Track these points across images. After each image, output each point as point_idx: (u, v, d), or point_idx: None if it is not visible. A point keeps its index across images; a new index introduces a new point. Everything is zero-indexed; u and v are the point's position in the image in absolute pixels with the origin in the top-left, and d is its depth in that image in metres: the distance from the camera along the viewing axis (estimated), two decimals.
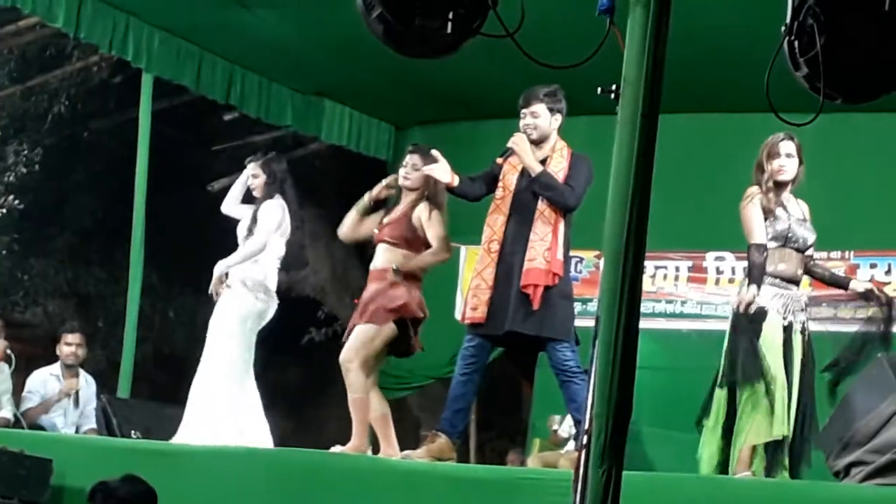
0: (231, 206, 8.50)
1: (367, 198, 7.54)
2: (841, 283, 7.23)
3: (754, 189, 6.90)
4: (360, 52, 8.35)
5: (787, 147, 6.89)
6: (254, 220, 8.18)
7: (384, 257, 7.30)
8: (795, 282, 6.92)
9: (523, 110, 7.04)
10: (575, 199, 6.91)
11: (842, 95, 4.01)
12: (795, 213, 6.93)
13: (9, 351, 9.03)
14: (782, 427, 6.58)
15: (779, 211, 6.85)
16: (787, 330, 6.79)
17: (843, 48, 3.91)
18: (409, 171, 7.34)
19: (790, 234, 6.84)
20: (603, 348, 3.53)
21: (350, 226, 7.58)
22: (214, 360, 7.98)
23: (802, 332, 6.85)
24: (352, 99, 10.95)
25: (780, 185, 6.91)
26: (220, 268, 8.11)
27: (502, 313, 6.86)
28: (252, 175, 8.31)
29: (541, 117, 7.00)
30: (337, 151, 12.08)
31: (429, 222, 7.23)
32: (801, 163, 6.94)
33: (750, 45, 5.37)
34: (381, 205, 7.54)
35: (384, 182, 7.58)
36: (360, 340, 7.19)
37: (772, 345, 6.71)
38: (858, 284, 7.20)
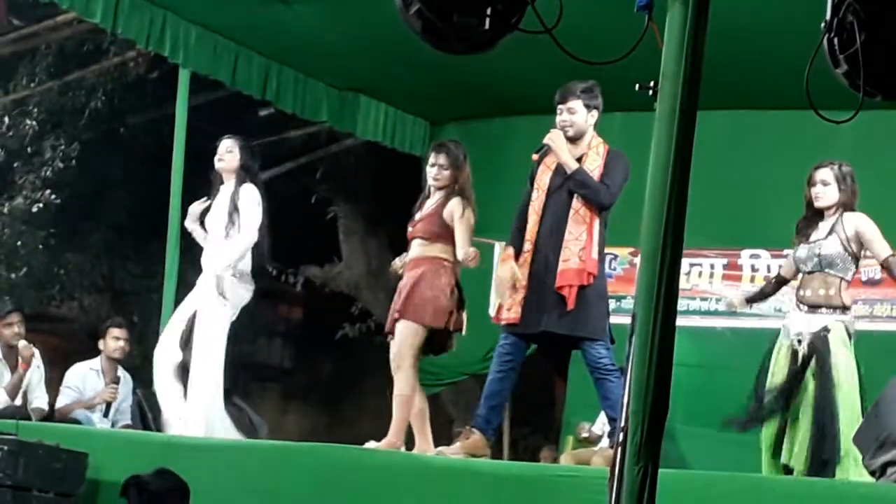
0: (195, 221, 8.26)
1: (397, 263, 7.56)
2: None
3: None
4: (396, 47, 8.36)
5: (822, 174, 7.05)
6: (234, 206, 8.05)
7: (419, 251, 7.32)
8: (811, 305, 7.00)
9: (560, 106, 7.01)
10: (610, 197, 6.89)
11: (881, 92, 3.99)
12: (817, 236, 7.02)
13: (34, 348, 9.04)
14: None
15: (800, 239, 7.06)
16: (792, 352, 6.90)
17: (882, 45, 3.89)
18: (438, 171, 7.35)
19: (802, 259, 7.01)
20: (639, 346, 3.52)
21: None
22: (214, 356, 7.96)
23: (811, 347, 6.91)
24: (387, 95, 10.95)
25: (817, 213, 7.03)
26: (223, 267, 7.99)
27: (537, 313, 6.86)
28: (227, 150, 8.13)
29: (577, 114, 6.98)
30: (372, 147, 12.09)
31: (460, 220, 7.23)
32: (842, 188, 7.02)
33: (790, 42, 5.35)
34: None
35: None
36: (404, 337, 7.20)
37: (776, 375, 6.85)
38: None
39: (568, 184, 6.90)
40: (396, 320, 7.23)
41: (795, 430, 6.84)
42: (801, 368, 6.89)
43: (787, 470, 6.85)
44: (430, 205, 7.39)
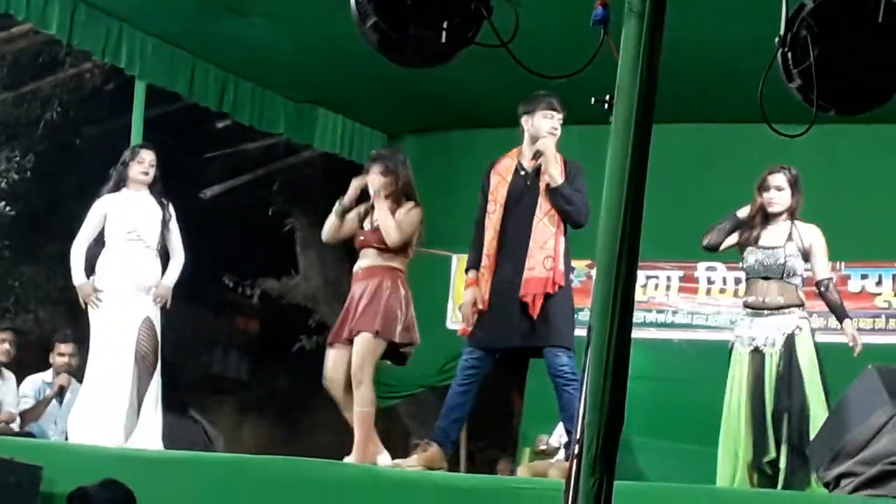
0: (83, 246, 8.11)
1: (345, 200, 7.57)
2: (838, 315, 7.29)
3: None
4: (354, 60, 8.35)
5: (777, 180, 7.11)
6: (165, 221, 8.07)
7: (374, 260, 7.32)
8: (768, 308, 7.05)
9: (552, 112, 6.96)
10: (588, 214, 6.88)
11: (835, 107, 4.02)
12: (767, 242, 7.08)
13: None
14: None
15: (748, 245, 7.14)
16: (757, 354, 6.94)
17: (836, 60, 3.92)
18: (376, 183, 7.38)
19: (755, 266, 6.98)
20: (595, 358, 3.52)
21: (332, 230, 7.60)
22: (156, 367, 7.96)
23: (784, 349, 6.96)
24: (345, 107, 10.94)
25: (769, 217, 7.10)
26: (170, 284, 8.05)
27: (502, 325, 6.85)
28: (152, 163, 8.09)
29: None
30: (329, 160, 12.08)
31: (406, 214, 7.31)
32: (794, 193, 7.11)
33: (744, 56, 5.38)
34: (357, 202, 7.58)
35: (354, 185, 7.60)
36: (366, 350, 7.20)
37: (735, 378, 6.90)
38: (850, 328, 7.26)
39: (552, 195, 6.88)
40: (355, 333, 7.21)
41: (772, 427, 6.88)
42: (783, 370, 6.95)
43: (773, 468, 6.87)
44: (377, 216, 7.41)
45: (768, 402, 6.92)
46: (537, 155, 6.99)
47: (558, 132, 6.99)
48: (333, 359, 7.34)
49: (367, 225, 7.47)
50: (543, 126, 6.96)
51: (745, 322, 7.17)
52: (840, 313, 7.29)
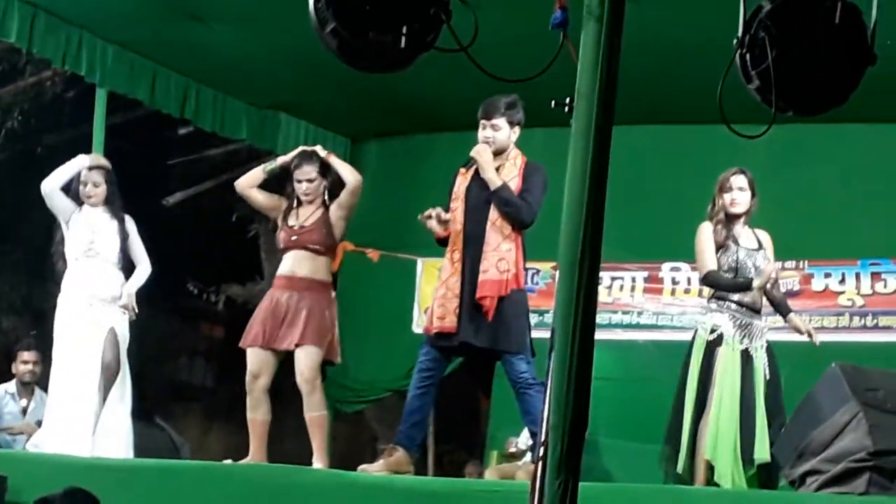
0: (55, 188, 8.14)
1: (278, 163, 7.66)
2: (782, 311, 7.32)
3: (706, 225, 7.08)
4: (316, 66, 8.36)
5: (739, 181, 7.14)
6: (125, 236, 8.11)
7: (309, 266, 7.34)
8: (755, 310, 7.07)
9: (483, 121, 7.03)
10: (531, 215, 6.91)
11: (793, 108, 4.04)
12: (748, 245, 7.11)
13: None
14: (713, 452, 6.84)
15: (729, 243, 7.01)
16: (746, 355, 6.95)
17: (794, 61, 3.94)
18: (307, 185, 7.47)
19: (739, 266, 7.01)
20: (558, 360, 3.53)
21: (250, 182, 7.68)
22: (127, 374, 7.95)
23: (767, 356, 7.00)
24: (307, 112, 10.92)
25: (731, 218, 7.12)
26: (133, 290, 8.07)
27: (459, 324, 6.87)
28: (96, 182, 8.11)
29: (501, 130, 7.00)
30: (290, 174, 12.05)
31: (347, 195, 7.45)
32: (753, 195, 7.15)
33: (703, 58, 5.40)
34: (284, 175, 7.62)
35: (295, 152, 7.67)
36: (315, 361, 7.30)
37: (725, 371, 6.89)
38: (798, 321, 7.28)
39: (491, 199, 6.92)
40: (298, 345, 7.27)
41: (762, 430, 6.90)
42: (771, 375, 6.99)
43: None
44: (309, 217, 7.47)
45: (758, 405, 6.93)
46: (471, 162, 7.02)
47: (492, 139, 6.99)
48: (262, 361, 7.41)
49: (293, 221, 7.48)
50: (479, 135, 7.01)
51: (726, 317, 7.11)
52: (785, 308, 7.34)
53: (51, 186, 8.09)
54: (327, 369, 7.53)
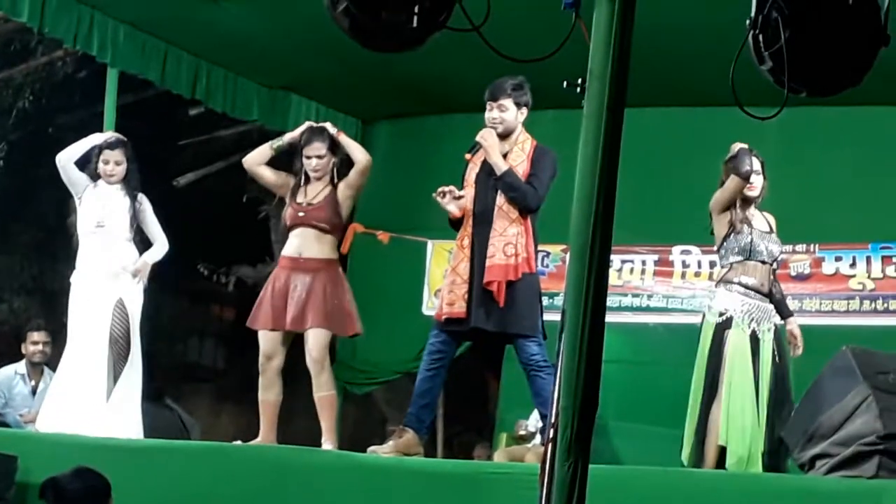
0: (70, 160, 8.15)
1: (286, 139, 7.64)
2: (782, 312, 7.28)
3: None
4: (327, 46, 8.34)
5: (755, 164, 7.08)
6: (136, 214, 8.08)
7: (315, 245, 7.33)
8: (763, 293, 7.06)
9: (490, 103, 7.02)
10: (537, 199, 6.89)
11: (806, 89, 4.02)
12: (760, 227, 7.11)
13: None
14: (725, 436, 6.82)
15: (743, 226, 6.99)
16: (754, 338, 6.94)
17: (807, 42, 3.92)
18: (316, 161, 7.45)
19: (753, 248, 7.02)
20: (569, 342, 3.52)
21: (258, 158, 7.67)
22: (138, 352, 7.96)
23: (774, 339, 6.98)
24: (318, 93, 10.92)
25: (746, 201, 7.10)
26: (151, 260, 8.11)
27: (470, 309, 6.86)
28: (118, 161, 8.10)
29: (508, 111, 6.98)
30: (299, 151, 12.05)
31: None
32: (764, 178, 7.12)
33: (716, 39, 5.38)
34: (292, 152, 7.62)
35: (303, 127, 7.67)
36: (324, 342, 7.30)
37: (735, 355, 6.87)
38: (794, 326, 7.25)
39: (497, 184, 6.91)
40: (308, 327, 7.27)
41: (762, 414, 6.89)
42: (777, 358, 6.98)
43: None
44: (316, 195, 7.45)
45: (763, 389, 6.91)
46: (477, 147, 7.01)
47: (499, 120, 6.97)
48: (274, 342, 7.42)
49: (300, 199, 7.47)
50: (486, 117, 6.99)
51: (738, 299, 7.08)
52: (786, 311, 7.33)
53: (66, 158, 8.10)
54: (337, 350, 7.53)
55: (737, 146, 7.09)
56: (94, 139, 8.20)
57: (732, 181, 7.06)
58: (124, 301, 7.91)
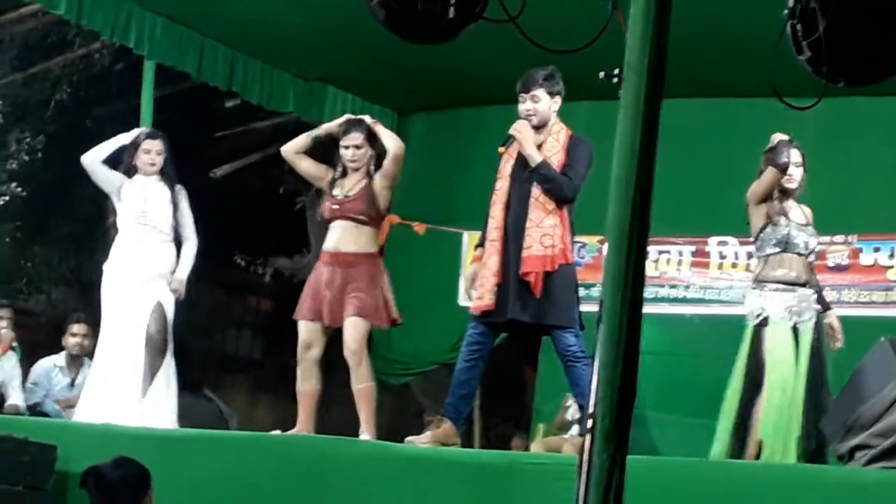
0: (96, 161, 8.21)
1: (324, 129, 7.67)
2: (821, 305, 7.24)
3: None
4: (363, 38, 8.34)
5: (795, 156, 7.03)
6: (176, 205, 8.14)
7: (353, 239, 7.35)
8: (800, 284, 7.02)
9: (522, 95, 7.01)
10: (573, 190, 6.88)
11: (845, 79, 4.00)
12: (797, 219, 7.07)
13: (14, 343, 9.02)
14: (765, 429, 6.78)
15: (780, 218, 6.96)
16: (794, 331, 6.90)
17: (845, 31, 3.90)
18: (354, 151, 7.45)
19: (790, 240, 6.98)
20: (607, 333, 3.52)
21: (296, 147, 7.69)
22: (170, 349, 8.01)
23: (814, 330, 6.95)
24: (354, 85, 10.93)
25: (784, 193, 7.06)
26: (184, 276, 8.12)
27: (505, 301, 6.86)
28: (159, 151, 8.16)
29: (541, 102, 6.97)
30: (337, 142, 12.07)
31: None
32: (805, 171, 7.07)
33: (753, 29, 5.36)
34: (330, 143, 7.64)
35: (342, 119, 7.69)
36: (362, 332, 7.29)
37: (776, 350, 6.84)
38: (833, 319, 7.21)
39: (532, 176, 6.90)
40: (346, 318, 7.28)
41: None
42: (815, 349, 6.95)
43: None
44: (353, 187, 7.45)
45: (801, 378, 6.88)
46: (510, 140, 7.00)
47: (533, 111, 6.96)
48: (313, 332, 7.43)
49: (337, 192, 7.47)
50: (519, 109, 6.98)
51: (775, 296, 7.05)
52: (824, 304, 7.28)
53: (91, 159, 8.17)
54: (373, 341, 7.53)
55: (777, 137, 7.05)
56: (121, 139, 8.24)
57: (769, 172, 7.02)
58: (163, 304, 7.97)
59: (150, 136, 8.23)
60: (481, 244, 7.10)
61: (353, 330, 7.25)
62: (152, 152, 8.11)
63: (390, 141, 7.48)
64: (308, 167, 7.65)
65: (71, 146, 13.68)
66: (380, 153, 7.49)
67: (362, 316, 7.26)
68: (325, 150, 7.76)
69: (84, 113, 13.96)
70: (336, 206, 7.40)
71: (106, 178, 8.14)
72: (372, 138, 7.48)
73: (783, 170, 6.97)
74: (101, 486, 4.70)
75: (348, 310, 7.25)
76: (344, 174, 7.48)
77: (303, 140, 7.67)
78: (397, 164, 7.43)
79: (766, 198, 7.08)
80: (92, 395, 7.97)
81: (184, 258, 8.15)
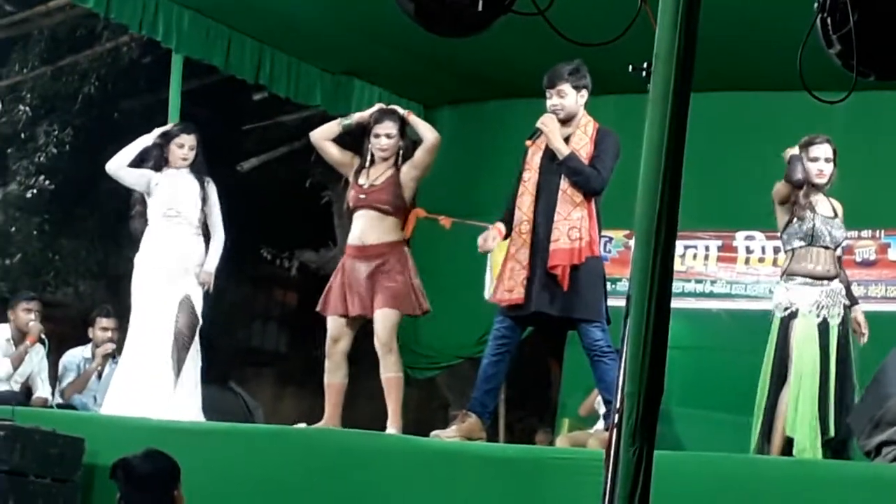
0: (121, 167, 8.27)
1: (355, 118, 7.67)
2: (850, 299, 7.21)
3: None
4: (390, 31, 8.34)
5: (826, 151, 7.01)
6: (205, 198, 8.18)
7: (378, 230, 7.34)
8: (828, 278, 6.98)
9: (549, 90, 7.01)
10: (601, 182, 6.88)
11: (875, 72, 3.98)
12: (824, 212, 7.03)
13: (43, 335, 9.06)
14: (793, 426, 6.74)
15: (806, 212, 6.94)
16: (823, 326, 6.86)
17: (875, 25, 3.88)
18: (385, 140, 7.43)
19: (816, 233, 6.94)
20: (634, 328, 3.52)
21: (326, 134, 7.68)
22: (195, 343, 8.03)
23: (841, 324, 6.90)
24: (381, 78, 10.93)
25: (814, 187, 7.02)
26: (212, 269, 8.17)
27: (532, 294, 6.85)
28: (192, 145, 8.21)
29: (567, 96, 6.97)
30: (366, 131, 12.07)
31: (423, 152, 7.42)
32: (835, 165, 7.03)
33: (783, 23, 5.34)
34: (359, 133, 7.64)
35: (374, 108, 7.70)
36: (392, 322, 7.27)
37: (804, 343, 6.80)
38: (859, 314, 7.17)
39: (560, 169, 6.89)
40: (376, 309, 7.27)
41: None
42: (842, 344, 6.91)
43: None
44: (379, 177, 7.43)
45: (828, 373, 6.85)
46: (538, 133, 6.99)
47: (559, 106, 6.96)
48: (341, 325, 7.42)
49: (363, 180, 7.46)
50: (546, 105, 6.98)
51: (803, 290, 7.01)
52: (851, 298, 7.23)
53: (115, 166, 8.25)
54: (399, 334, 7.52)
55: (790, 152, 7.04)
56: (143, 141, 8.28)
57: (784, 186, 7.01)
58: (191, 297, 8.01)
59: (184, 129, 8.29)
60: (507, 236, 7.09)
61: (384, 320, 7.24)
62: (185, 147, 8.16)
63: (426, 131, 7.47)
64: (335, 153, 7.65)
65: (99, 139, 13.75)
66: (406, 146, 7.48)
67: (393, 306, 7.24)
68: (353, 141, 7.76)
69: (112, 106, 13.98)
70: (362, 195, 7.40)
71: (134, 179, 8.21)
72: (403, 129, 7.48)
73: (798, 186, 6.96)
74: (131, 478, 4.70)
75: (378, 300, 7.24)
76: (371, 164, 7.47)
77: (332, 127, 7.68)
78: (431, 155, 7.42)
79: (787, 201, 7.07)
80: (121, 388, 8.01)
81: (212, 251, 8.18)
